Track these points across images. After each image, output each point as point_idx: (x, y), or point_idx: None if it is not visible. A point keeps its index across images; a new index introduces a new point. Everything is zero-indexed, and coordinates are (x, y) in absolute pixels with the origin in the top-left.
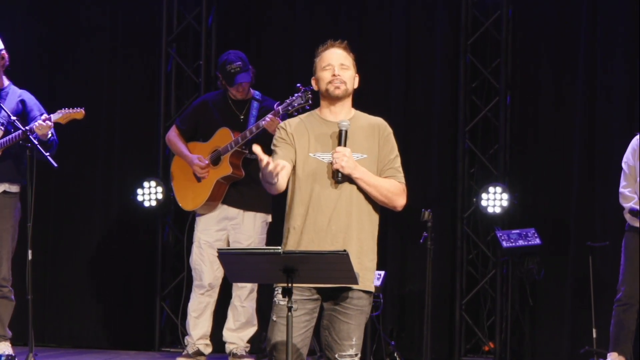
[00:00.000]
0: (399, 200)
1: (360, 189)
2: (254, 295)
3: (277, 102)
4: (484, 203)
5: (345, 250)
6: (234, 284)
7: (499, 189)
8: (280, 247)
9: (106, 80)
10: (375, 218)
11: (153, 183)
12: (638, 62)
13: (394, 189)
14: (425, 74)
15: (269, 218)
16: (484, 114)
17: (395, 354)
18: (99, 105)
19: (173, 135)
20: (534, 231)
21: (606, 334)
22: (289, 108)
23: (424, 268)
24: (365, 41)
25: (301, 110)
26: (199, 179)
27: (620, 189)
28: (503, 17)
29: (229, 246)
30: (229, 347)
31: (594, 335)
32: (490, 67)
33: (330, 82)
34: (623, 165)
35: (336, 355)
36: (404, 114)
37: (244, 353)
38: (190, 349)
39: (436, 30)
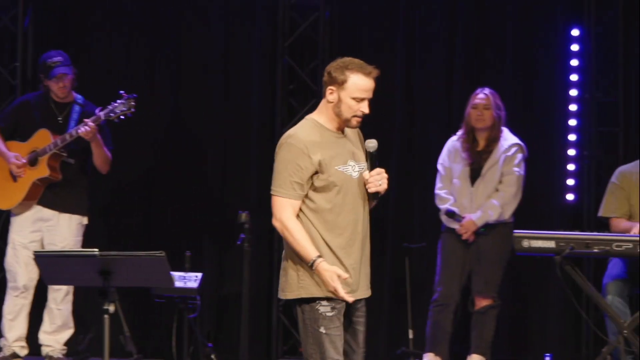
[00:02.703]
0: None
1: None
2: (70, 297)
3: (99, 108)
4: None
5: (162, 252)
6: (50, 287)
7: None
8: (96, 249)
9: None
10: None
11: None
12: (455, 61)
13: None
14: (243, 76)
15: (85, 220)
16: (301, 116)
17: (212, 356)
18: None
19: None
20: None
21: (423, 334)
22: (111, 115)
23: (242, 269)
24: (184, 43)
25: (123, 117)
26: (15, 178)
27: (436, 191)
28: (320, 19)
29: (43, 248)
30: (45, 350)
31: (411, 336)
32: (308, 69)
33: (355, 116)
34: (439, 166)
35: None
36: (222, 117)
37: (61, 356)
38: (6, 351)
39: (254, 32)
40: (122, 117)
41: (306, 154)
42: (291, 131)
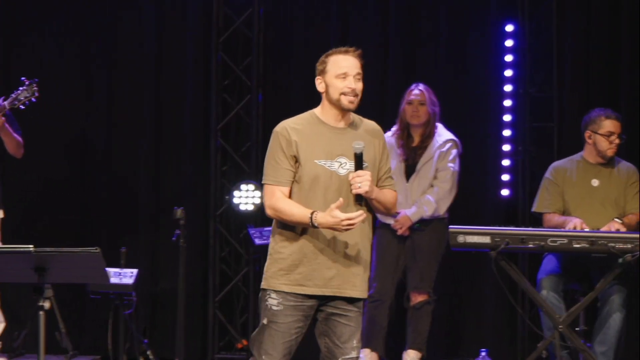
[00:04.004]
0: (395, 207)
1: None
2: None
3: (2, 97)
4: (236, 201)
5: (97, 248)
6: None
7: (251, 187)
8: (31, 246)
9: None
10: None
11: None
12: (388, 57)
13: (393, 200)
14: (176, 72)
15: (1, 213)
16: (236, 112)
17: (148, 352)
18: None
19: None
20: None
21: None
22: (15, 102)
23: (177, 266)
24: (117, 37)
25: (27, 102)
26: None
27: None
28: (254, 15)
29: None
30: None
31: None
32: (242, 65)
33: (344, 94)
34: None
35: None
36: (156, 111)
37: None
38: None
39: (187, 28)
40: (26, 102)
41: (288, 139)
42: (284, 121)
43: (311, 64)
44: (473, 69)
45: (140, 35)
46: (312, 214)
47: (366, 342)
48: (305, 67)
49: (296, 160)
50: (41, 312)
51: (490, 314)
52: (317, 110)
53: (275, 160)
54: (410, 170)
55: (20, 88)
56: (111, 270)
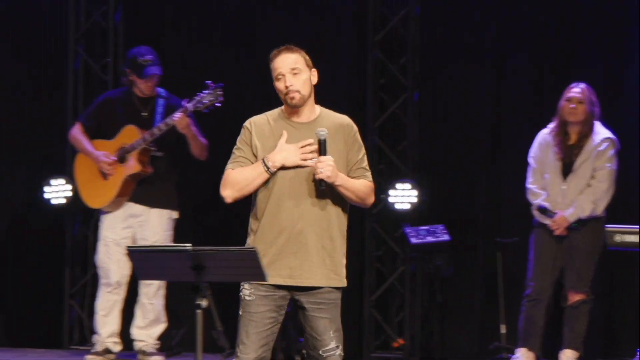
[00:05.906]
0: (370, 199)
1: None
2: (162, 292)
3: (186, 99)
4: (391, 199)
5: (253, 248)
6: (141, 282)
7: (407, 185)
8: (189, 244)
9: (10, 76)
10: (345, 217)
11: (61, 181)
12: (546, 52)
13: (366, 190)
14: (332, 70)
15: (175, 214)
16: (392, 111)
17: (304, 351)
18: (5, 102)
19: (77, 132)
20: (442, 227)
21: (515, 329)
22: (199, 105)
23: None
24: (268, 39)
25: (211, 107)
26: (105, 176)
27: (528, 185)
28: (410, 14)
29: (135, 243)
30: (137, 345)
31: (503, 331)
32: (398, 64)
33: (285, 94)
34: (530, 160)
35: (320, 352)
36: None
37: (154, 350)
38: (99, 347)
39: (343, 27)
40: (210, 107)
41: (253, 134)
42: (253, 117)
43: (467, 62)
44: (629, 64)
45: (296, 32)
46: (262, 161)
47: (523, 342)
48: (460, 65)
49: (256, 158)
50: (198, 311)
51: None
52: (283, 108)
53: (240, 152)
54: (567, 169)
55: (205, 92)
56: None
